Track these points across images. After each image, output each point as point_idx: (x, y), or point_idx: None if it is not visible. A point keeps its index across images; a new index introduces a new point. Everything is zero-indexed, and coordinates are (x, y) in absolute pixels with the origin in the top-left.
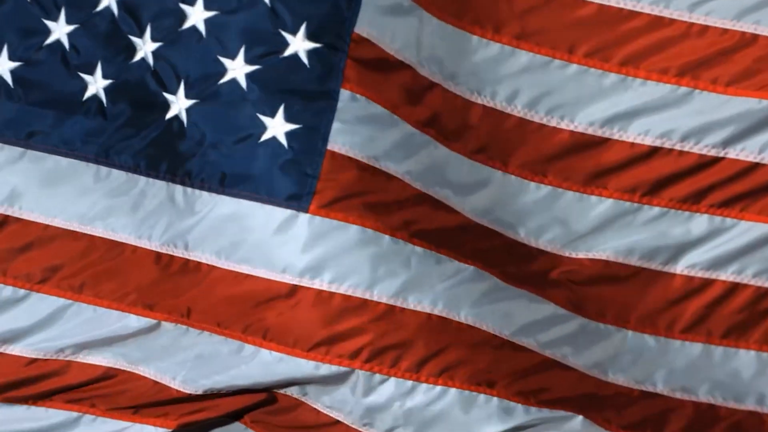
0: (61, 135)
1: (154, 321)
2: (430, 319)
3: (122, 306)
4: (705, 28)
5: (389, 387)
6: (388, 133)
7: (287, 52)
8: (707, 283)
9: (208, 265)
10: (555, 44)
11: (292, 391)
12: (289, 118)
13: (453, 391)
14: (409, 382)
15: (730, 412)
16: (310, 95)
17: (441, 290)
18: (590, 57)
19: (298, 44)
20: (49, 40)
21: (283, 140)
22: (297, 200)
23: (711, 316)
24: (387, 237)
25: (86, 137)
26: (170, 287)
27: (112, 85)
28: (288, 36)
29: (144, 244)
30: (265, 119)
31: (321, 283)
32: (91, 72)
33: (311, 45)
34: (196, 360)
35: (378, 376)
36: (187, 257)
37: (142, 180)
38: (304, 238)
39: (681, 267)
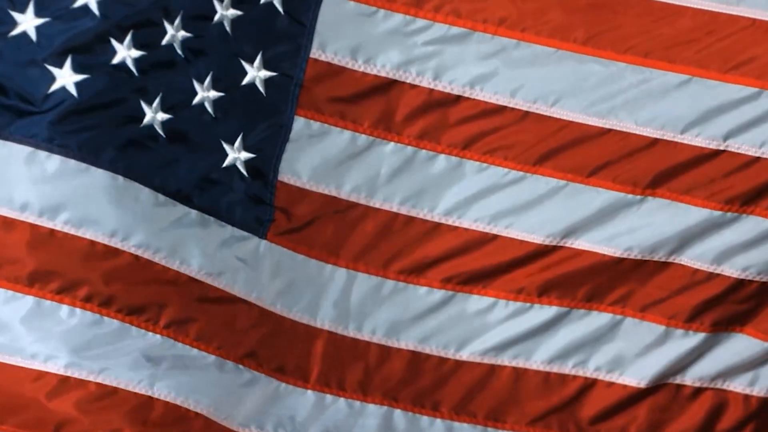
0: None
1: None
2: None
3: None
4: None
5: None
6: (350, 155)
7: (246, 80)
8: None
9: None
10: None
11: None
12: (247, 147)
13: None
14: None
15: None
16: (265, 124)
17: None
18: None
19: (256, 73)
20: (15, 31)
21: (243, 169)
22: (256, 227)
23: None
24: (329, 266)
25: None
26: None
27: (85, 80)
28: (246, 65)
29: None
30: (227, 146)
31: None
32: (60, 65)
33: (267, 74)
34: None
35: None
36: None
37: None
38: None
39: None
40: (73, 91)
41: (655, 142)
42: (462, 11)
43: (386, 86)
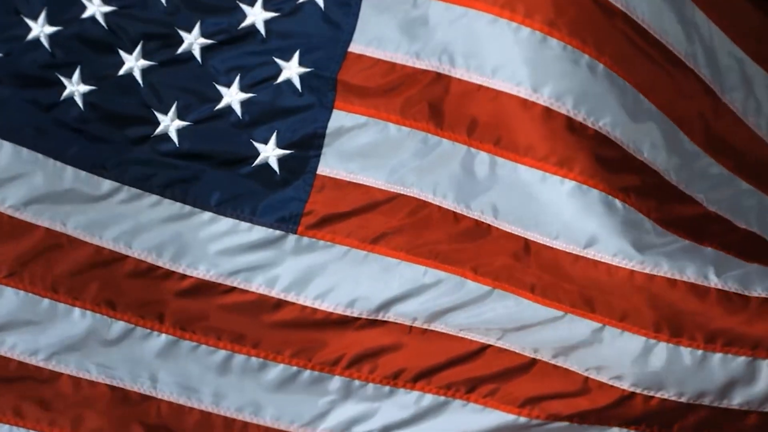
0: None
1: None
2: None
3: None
4: None
5: (369, 390)
6: (391, 145)
7: (281, 79)
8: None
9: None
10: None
11: None
12: (281, 144)
13: None
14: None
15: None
16: (301, 120)
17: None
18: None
19: (292, 70)
20: (29, 37)
21: (275, 166)
22: (285, 223)
23: None
24: (372, 254)
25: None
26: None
27: (92, 92)
28: (282, 62)
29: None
30: (258, 145)
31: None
32: (70, 75)
33: (303, 70)
34: None
35: (357, 382)
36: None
37: (124, 190)
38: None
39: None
40: (79, 102)
41: None
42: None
43: (428, 76)
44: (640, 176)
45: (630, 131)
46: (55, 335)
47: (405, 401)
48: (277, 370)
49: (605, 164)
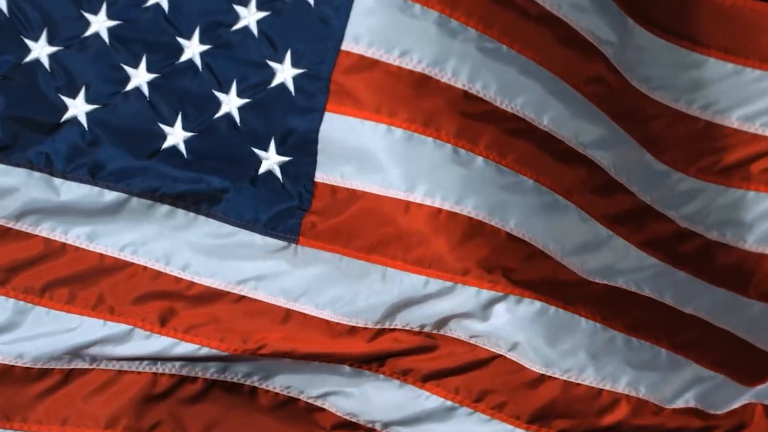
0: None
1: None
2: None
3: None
4: None
5: (380, 379)
6: (387, 148)
7: (275, 82)
8: None
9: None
10: None
11: None
12: (280, 151)
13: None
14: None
15: None
16: (297, 124)
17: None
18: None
19: (285, 73)
20: (28, 58)
21: (278, 173)
22: (288, 233)
23: None
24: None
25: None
26: None
27: (97, 110)
28: (275, 65)
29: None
30: (259, 152)
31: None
32: (73, 95)
33: (296, 72)
34: None
35: (367, 372)
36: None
37: (134, 200)
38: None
39: None
40: (84, 122)
41: None
42: (492, 22)
43: (421, 81)
44: (620, 199)
45: (609, 155)
46: (45, 340)
47: (412, 398)
48: (287, 360)
49: (595, 189)
